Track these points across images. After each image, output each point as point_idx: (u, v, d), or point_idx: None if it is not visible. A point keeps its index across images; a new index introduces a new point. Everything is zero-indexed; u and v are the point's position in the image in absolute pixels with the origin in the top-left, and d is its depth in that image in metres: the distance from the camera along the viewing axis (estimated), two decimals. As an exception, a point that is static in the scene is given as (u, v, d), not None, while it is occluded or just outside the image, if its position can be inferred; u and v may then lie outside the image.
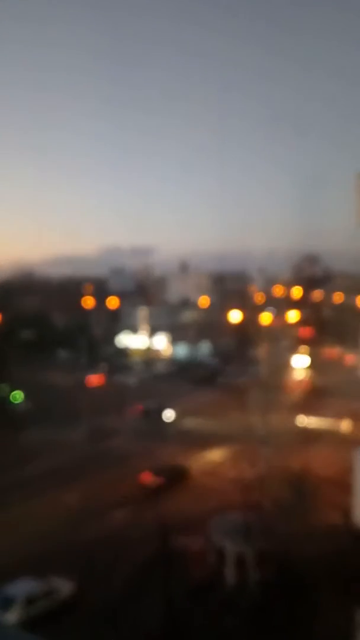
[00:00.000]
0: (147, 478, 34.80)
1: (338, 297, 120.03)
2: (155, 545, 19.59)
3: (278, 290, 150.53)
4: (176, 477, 35.87)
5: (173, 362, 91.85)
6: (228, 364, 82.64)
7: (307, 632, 16.15)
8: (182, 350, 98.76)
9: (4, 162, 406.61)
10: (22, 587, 21.12)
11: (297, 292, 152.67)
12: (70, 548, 24.43)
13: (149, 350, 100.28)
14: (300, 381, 70.09)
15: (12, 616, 19.68)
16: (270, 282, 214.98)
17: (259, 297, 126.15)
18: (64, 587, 22.03)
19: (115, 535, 26.69)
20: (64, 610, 20.88)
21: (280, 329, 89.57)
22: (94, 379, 69.81)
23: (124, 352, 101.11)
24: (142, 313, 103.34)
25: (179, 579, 18.79)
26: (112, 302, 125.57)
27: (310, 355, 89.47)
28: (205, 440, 45.14)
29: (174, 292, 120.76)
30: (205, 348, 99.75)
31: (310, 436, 45.37)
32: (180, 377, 78.63)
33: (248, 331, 44.28)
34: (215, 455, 41.17)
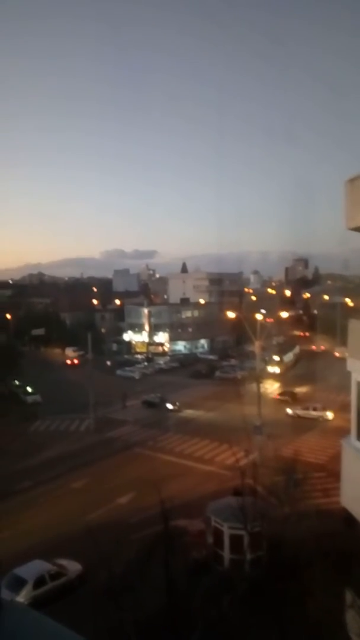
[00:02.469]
0: None
1: (327, 297, 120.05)
2: (157, 527, 19.52)
3: (272, 290, 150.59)
4: None
5: (174, 357, 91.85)
6: (225, 360, 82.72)
7: (299, 609, 16.10)
8: (182, 347, 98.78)
9: (14, 173, 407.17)
10: (33, 569, 21.07)
11: (289, 292, 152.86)
12: (77, 531, 24.40)
13: (151, 346, 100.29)
14: (292, 374, 70.04)
15: (23, 596, 19.65)
16: (264, 282, 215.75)
17: (254, 297, 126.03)
18: (73, 567, 22.05)
19: (120, 518, 26.74)
20: (73, 589, 20.87)
21: (273, 326, 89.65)
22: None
23: (127, 349, 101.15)
24: (144, 312, 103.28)
25: (178, 559, 18.73)
26: (117, 302, 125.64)
27: (301, 349, 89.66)
28: (204, 430, 45.16)
29: (175, 292, 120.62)
30: (203, 345, 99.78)
31: (302, 425, 45.44)
32: (181, 371, 78.72)
33: (243, 329, 44.24)
34: (213, 443, 41.14)
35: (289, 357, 78.16)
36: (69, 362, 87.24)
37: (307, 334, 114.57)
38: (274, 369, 67.33)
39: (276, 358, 68.19)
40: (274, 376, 66.44)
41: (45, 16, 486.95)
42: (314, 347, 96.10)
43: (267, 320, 53.61)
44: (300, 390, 60.08)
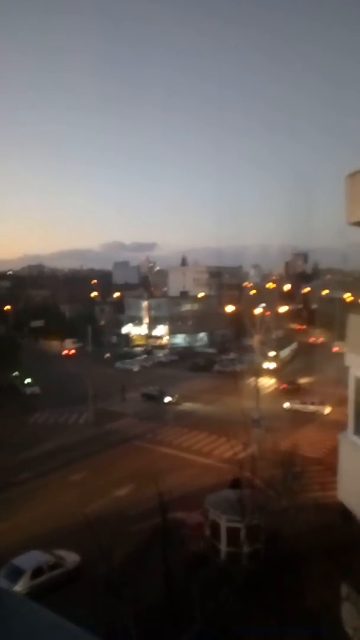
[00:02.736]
0: None
1: (326, 291, 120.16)
2: (155, 520, 19.62)
3: (271, 284, 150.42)
4: None
5: (173, 350, 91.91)
6: (224, 353, 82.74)
7: (296, 601, 16.23)
8: (181, 340, 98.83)
9: (14, 165, 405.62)
10: (31, 559, 21.20)
11: (288, 286, 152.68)
12: (76, 523, 24.50)
13: (150, 339, 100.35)
14: (289, 369, 70.02)
15: (21, 586, 19.78)
16: (264, 276, 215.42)
17: (253, 291, 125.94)
18: (70, 558, 22.17)
19: (118, 510, 26.85)
20: (71, 580, 20.99)
21: (272, 320, 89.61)
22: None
23: (127, 341, 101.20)
24: (144, 305, 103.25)
25: (176, 551, 18.84)
26: (116, 294, 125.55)
27: (300, 343, 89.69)
28: (203, 423, 45.26)
29: (174, 285, 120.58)
30: (202, 338, 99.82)
31: (299, 419, 45.54)
32: (180, 364, 78.80)
33: (243, 322, 44.31)
34: (211, 436, 41.26)
35: (285, 352, 77.32)
36: (65, 352, 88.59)
37: (304, 327, 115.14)
38: (269, 365, 66.98)
39: (272, 353, 67.76)
40: (270, 372, 66.21)
41: (44, 11, 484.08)
42: (312, 339, 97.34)
43: (266, 314, 53.64)
44: (305, 381, 60.64)
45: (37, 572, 20.61)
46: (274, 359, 68.79)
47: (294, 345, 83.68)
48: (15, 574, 20.29)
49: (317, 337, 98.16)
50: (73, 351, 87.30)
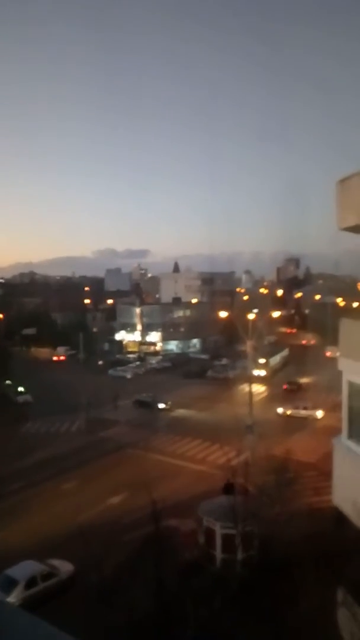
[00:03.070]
0: None
1: (318, 297, 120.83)
2: (149, 528, 19.52)
3: (263, 290, 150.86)
4: None
5: (166, 357, 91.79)
6: (217, 359, 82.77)
7: (291, 608, 16.17)
8: (174, 346, 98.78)
9: (7, 173, 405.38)
10: (24, 569, 20.97)
11: (280, 291, 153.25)
12: (69, 532, 24.35)
13: (143, 346, 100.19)
14: (279, 377, 69.70)
15: (15, 597, 19.57)
16: (256, 282, 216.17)
17: (245, 297, 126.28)
18: (64, 568, 21.97)
19: (111, 519, 26.69)
20: (64, 590, 20.79)
21: (265, 326, 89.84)
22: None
23: (119, 348, 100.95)
24: (136, 311, 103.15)
25: (170, 559, 18.75)
26: (108, 301, 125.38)
27: (291, 346, 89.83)
28: (196, 429, 45.15)
29: (167, 292, 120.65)
30: (195, 344, 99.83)
31: (292, 425, 45.57)
32: (173, 371, 78.66)
33: (235, 328, 44.33)
34: (205, 443, 41.17)
35: (275, 359, 76.00)
36: (55, 358, 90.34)
37: (294, 330, 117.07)
38: (259, 372, 66.20)
39: (261, 361, 67.01)
40: (259, 379, 65.71)
41: (41, 23, 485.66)
42: (304, 341, 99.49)
43: (259, 319, 53.69)
44: (305, 381, 61.13)
45: (30, 582, 20.40)
46: (264, 366, 68.23)
47: (284, 352, 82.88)
48: (9, 585, 20.07)
49: (309, 340, 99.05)
50: (63, 357, 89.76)
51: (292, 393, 58.64)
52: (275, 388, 61.92)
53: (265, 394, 60.07)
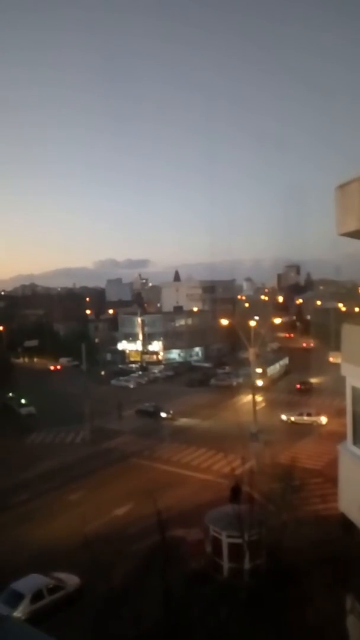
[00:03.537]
0: None
1: (319, 302, 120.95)
2: (155, 538, 19.42)
3: (265, 297, 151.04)
4: None
5: (168, 366, 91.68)
6: (220, 367, 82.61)
7: (299, 616, 16.03)
8: (176, 355, 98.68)
9: (5, 184, 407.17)
10: (30, 583, 20.77)
11: (281, 298, 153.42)
12: (75, 543, 24.23)
13: (145, 355, 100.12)
14: (277, 387, 68.91)
15: (21, 611, 19.41)
16: (257, 289, 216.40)
17: (247, 304, 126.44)
18: (71, 581, 21.80)
19: (118, 529, 26.56)
20: (71, 603, 20.62)
21: (267, 333, 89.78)
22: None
23: (122, 358, 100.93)
24: (138, 321, 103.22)
25: (177, 568, 18.64)
26: (110, 312, 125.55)
27: (292, 350, 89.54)
28: (200, 438, 45.02)
29: (168, 301, 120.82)
30: (198, 352, 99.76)
31: (297, 431, 45.42)
32: (176, 380, 78.55)
33: (237, 336, 44.28)
34: (209, 452, 41.00)
35: (274, 368, 73.71)
36: (52, 367, 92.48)
37: (293, 335, 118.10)
38: (258, 382, 64.74)
39: (259, 370, 65.44)
40: (260, 388, 64.60)
41: (35, 27, 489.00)
42: (305, 344, 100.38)
43: (260, 326, 53.60)
44: (297, 394, 61.34)
45: (37, 596, 20.21)
46: (261, 376, 66.76)
47: (283, 361, 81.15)
48: (15, 599, 19.90)
49: (309, 343, 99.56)
50: (59, 367, 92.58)
51: (304, 393, 62.63)
52: (277, 395, 61.64)
53: (265, 403, 59.75)
